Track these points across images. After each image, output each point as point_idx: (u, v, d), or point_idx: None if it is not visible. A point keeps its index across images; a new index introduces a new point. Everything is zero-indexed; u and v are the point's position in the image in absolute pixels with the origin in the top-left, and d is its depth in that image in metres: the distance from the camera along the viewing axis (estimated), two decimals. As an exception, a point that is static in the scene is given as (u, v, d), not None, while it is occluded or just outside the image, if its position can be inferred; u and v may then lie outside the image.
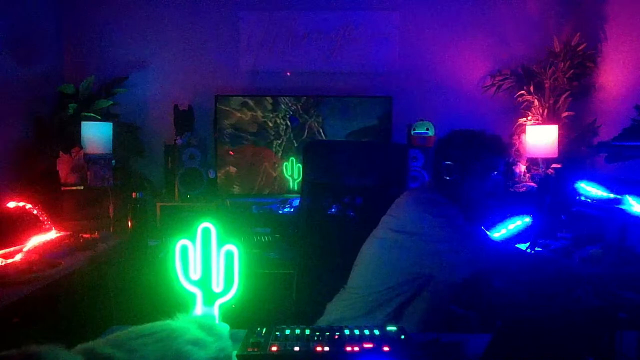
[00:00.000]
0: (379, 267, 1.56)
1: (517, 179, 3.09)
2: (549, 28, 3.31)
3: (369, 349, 1.09)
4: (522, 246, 2.56)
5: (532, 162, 3.12)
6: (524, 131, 3.13)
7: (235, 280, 1.13)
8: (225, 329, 1.14)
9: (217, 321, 1.16)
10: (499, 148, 1.69)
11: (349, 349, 1.09)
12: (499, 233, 2.68)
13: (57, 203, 2.83)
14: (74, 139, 3.00)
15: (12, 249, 2.27)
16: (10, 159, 2.92)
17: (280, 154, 3.33)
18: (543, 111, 3.09)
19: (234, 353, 1.09)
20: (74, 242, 2.46)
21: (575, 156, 3.04)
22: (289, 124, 3.32)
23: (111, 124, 3.06)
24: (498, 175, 1.65)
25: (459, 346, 1.24)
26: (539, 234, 2.53)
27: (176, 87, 3.48)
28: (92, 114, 3.09)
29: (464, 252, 1.52)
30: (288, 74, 3.47)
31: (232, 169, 3.33)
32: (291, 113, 3.32)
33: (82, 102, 3.15)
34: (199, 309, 1.14)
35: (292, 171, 3.30)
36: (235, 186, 3.33)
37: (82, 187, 2.92)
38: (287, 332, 1.16)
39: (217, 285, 1.14)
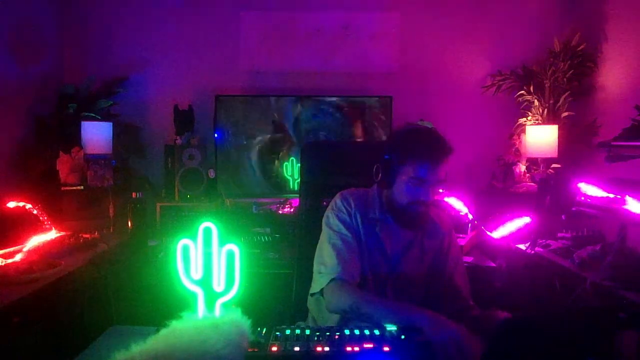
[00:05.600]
0: None
1: (517, 179, 3.09)
2: (549, 28, 3.30)
3: (369, 349, 1.09)
4: (522, 246, 2.56)
5: (532, 162, 3.12)
6: (524, 131, 3.13)
7: (237, 279, 1.13)
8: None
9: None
10: (418, 151, 1.42)
11: (349, 349, 1.09)
12: (499, 233, 2.69)
13: (57, 203, 2.83)
14: (74, 139, 3.00)
15: (12, 249, 2.27)
16: (10, 159, 2.92)
17: (280, 154, 3.33)
18: (543, 111, 3.09)
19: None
20: (74, 242, 2.47)
21: (575, 156, 3.04)
22: (288, 124, 3.32)
23: (111, 124, 3.06)
24: (416, 181, 1.42)
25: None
26: (539, 234, 2.53)
27: (176, 87, 3.49)
28: (92, 114, 3.09)
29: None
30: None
31: (232, 169, 3.33)
32: (291, 113, 3.32)
33: (82, 102, 3.15)
34: (200, 309, 1.14)
35: (292, 171, 3.30)
36: (235, 186, 3.33)
37: (82, 187, 2.92)
38: (287, 332, 1.16)
39: (218, 285, 1.14)
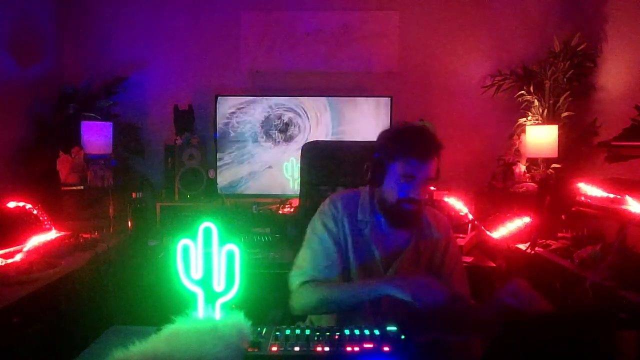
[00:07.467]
0: None
1: (517, 179, 3.09)
2: (549, 28, 3.30)
3: (369, 349, 1.09)
4: (522, 246, 2.56)
5: (532, 162, 3.12)
6: (524, 131, 3.13)
7: (237, 279, 1.14)
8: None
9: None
10: (407, 147, 1.40)
11: (349, 349, 1.09)
12: (499, 233, 2.69)
13: (57, 203, 2.83)
14: (74, 139, 3.00)
15: (12, 249, 2.27)
16: (10, 159, 2.92)
17: (280, 154, 3.33)
18: (543, 111, 3.09)
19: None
20: (74, 242, 2.47)
21: (575, 156, 3.04)
22: (288, 124, 3.32)
23: (111, 124, 3.06)
24: (405, 179, 1.40)
25: (460, 346, 1.24)
26: (539, 234, 2.53)
27: (176, 87, 3.49)
28: (92, 114, 3.09)
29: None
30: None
31: (232, 169, 3.33)
32: (290, 113, 3.32)
33: (82, 102, 3.15)
34: (200, 309, 1.14)
35: (292, 171, 3.30)
36: (235, 186, 3.33)
37: (82, 187, 2.92)
38: (287, 332, 1.16)
39: (218, 285, 1.14)
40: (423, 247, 1.52)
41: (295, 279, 1.47)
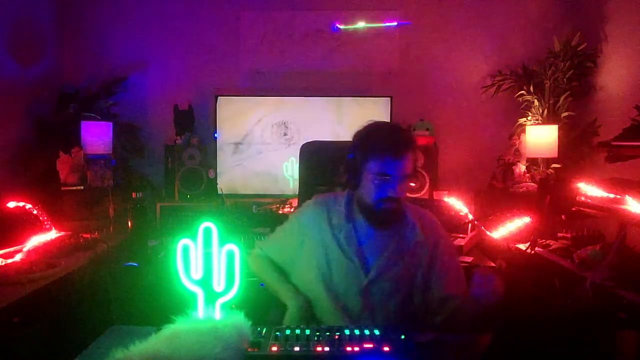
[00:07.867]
0: None
1: (517, 179, 3.09)
2: (549, 28, 3.30)
3: (369, 349, 1.09)
4: (522, 246, 2.56)
5: (532, 162, 3.11)
6: (524, 131, 3.13)
7: (237, 279, 1.14)
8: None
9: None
10: (379, 146, 1.39)
11: (349, 349, 1.09)
12: (499, 233, 2.69)
13: (57, 203, 2.83)
14: (74, 139, 3.00)
15: (12, 249, 2.27)
16: (10, 159, 2.92)
17: (279, 154, 3.33)
18: (543, 111, 3.09)
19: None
20: (74, 242, 2.46)
21: (575, 156, 3.04)
22: (288, 124, 3.32)
23: (111, 124, 3.06)
24: (381, 177, 1.39)
25: (460, 346, 1.25)
26: (539, 234, 2.53)
27: (176, 87, 3.49)
28: (92, 114, 3.09)
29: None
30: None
31: (232, 169, 3.33)
32: (290, 113, 3.32)
33: (82, 102, 3.15)
34: (200, 309, 1.14)
35: (291, 171, 3.30)
36: (235, 186, 3.33)
37: (82, 187, 2.92)
38: (287, 332, 1.16)
39: (218, 285, 1.14)
40: (406, 249, 1.47)
41: (257, 247, 1.67)
